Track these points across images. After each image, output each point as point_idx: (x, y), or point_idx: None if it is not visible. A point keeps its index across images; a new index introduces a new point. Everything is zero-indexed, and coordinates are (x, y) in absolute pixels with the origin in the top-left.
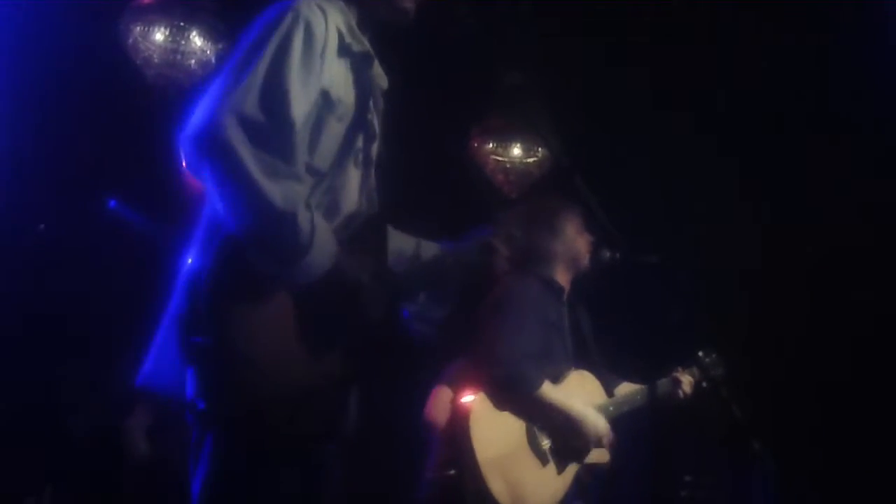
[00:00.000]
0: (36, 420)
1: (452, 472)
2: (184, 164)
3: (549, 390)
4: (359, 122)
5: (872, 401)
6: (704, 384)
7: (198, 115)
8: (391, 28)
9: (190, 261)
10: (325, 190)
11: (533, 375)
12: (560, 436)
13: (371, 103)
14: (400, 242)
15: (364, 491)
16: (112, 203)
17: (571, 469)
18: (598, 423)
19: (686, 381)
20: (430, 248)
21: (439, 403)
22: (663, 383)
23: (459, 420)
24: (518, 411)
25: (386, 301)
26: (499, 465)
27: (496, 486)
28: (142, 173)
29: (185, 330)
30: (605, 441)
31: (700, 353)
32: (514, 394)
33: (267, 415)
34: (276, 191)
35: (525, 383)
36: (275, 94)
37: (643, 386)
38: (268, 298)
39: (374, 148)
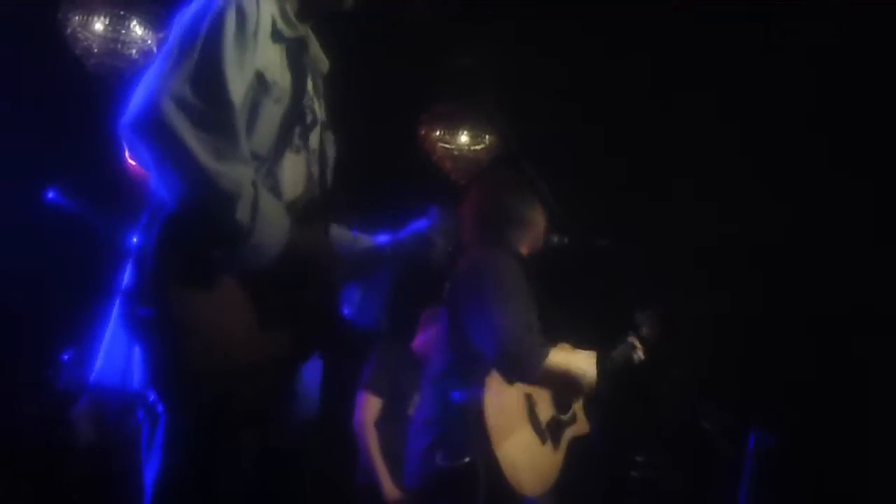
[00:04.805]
0: None
1: (467, 459)
2: (125, 150)
3: (552, 356)
4: (295, 108)
5: (833, 376)
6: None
7: (136, 100)
8: (334, 16)
9: (135, 240)
10: (265, 174)
11: (539, 345)
12: (560, 399)
13: (309, 88)
14: (338, 231)
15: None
16: (50, 193)
17: (564, 444)
18: (590, 371)
19: (640, 344)
20: (365, 242)
21: (367, 412)
22: (620, 350)
23: (471, 409)
24: (526, 385)
25: (330, 281)
26: (511, 450)
27: (510, 470)
28: (81, 163)
29: (130, 304)
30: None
31: (636, 314)
32: (527, 369)
33: (210, 389)
34: (219, 172)
35: (536, 355)
36: (211, 76)
37: (600, 354)
38: (212, 274)
39: (316, 133)
